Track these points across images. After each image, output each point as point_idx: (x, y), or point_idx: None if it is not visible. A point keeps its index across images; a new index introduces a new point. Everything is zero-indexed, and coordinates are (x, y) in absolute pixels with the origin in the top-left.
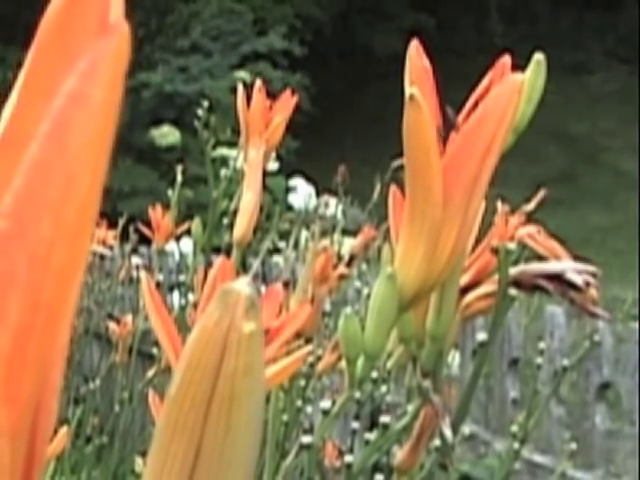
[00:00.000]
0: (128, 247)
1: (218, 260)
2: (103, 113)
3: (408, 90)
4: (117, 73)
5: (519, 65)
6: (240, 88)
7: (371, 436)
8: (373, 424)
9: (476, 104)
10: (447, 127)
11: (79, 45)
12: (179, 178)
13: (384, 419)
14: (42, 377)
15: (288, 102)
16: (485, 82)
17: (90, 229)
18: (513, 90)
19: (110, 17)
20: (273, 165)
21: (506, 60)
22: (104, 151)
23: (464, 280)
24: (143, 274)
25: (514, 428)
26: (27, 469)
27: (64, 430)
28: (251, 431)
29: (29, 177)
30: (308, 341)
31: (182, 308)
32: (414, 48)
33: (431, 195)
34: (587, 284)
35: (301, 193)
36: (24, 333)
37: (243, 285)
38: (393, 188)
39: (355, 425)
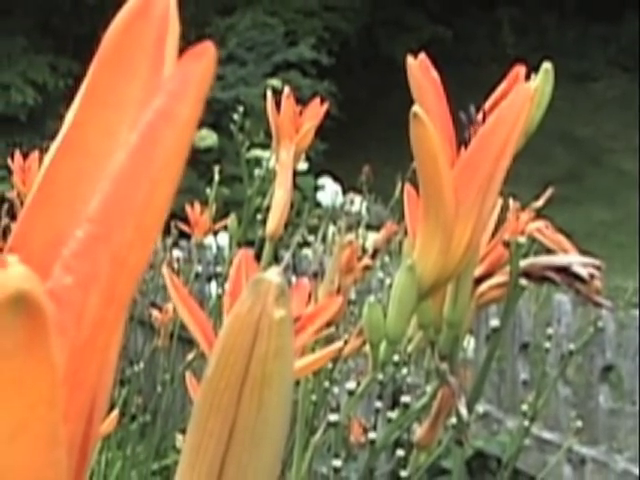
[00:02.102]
0: (169, 241)
1: (240, 252)
2: (187, 129)
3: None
4: (201, 93)
5: (529, 73)
6: (269, 95)
7: (393, 414)
8: (395, 403)
9: (491, 109)
10: (461, 130)
11: (136, 61)
12: (216, 177)
13: (405, 399)
14: (103, 362)
15: (317, 109)
16: (500, 89)
17: (160, 230)
18: (525, 98)
19: (167, 38)
20: (303, 165)
21: (519, 69)
22: (182, 162)
23: (478, 271)
24: (166, 271)
25: (524, 407)
26: (83, 446)
27: (115, 413)
28: (281, 409)
29: (117, 184)
30: (336, 327)
31: (219, 297)
32: (416, 64)
33: (442, 198)
34: (591, 276)
35: (328, 191)
36: (98, 326)
37: (274, 275)
38: (408, 187)
39: (378, 404)
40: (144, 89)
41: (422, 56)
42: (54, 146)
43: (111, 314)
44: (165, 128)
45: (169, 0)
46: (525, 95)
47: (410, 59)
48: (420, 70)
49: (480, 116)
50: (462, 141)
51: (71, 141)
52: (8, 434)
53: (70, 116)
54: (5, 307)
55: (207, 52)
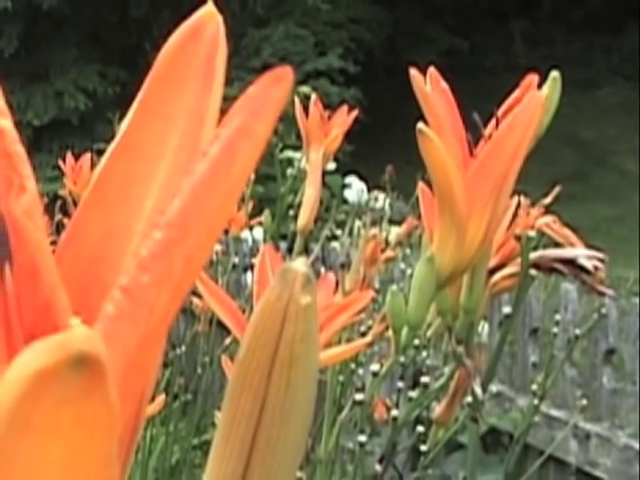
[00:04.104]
0: None
1: (264, 247)
2: (261, 144)
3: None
4: (277, 113)
5: (539, 81)
6: (297, 102)
7: (413, 394)
8: (415, 384)
9: (504, 115)
10: (474, 133)
11: (188, 78)
12: (252, 177)
13: (424, 380)
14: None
15: (344, 116)
16: (513, 97)
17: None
18: (537, 105)
19: (216, 58)
20: (331, 165)
21: (531, 78)
22: (252, 172)
23: (492, 262)
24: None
25: (534, 387)
26: (134, 424)
27: (161, 395)
28: (308, 388)
29: (196, 193)
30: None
31: None
32: (419, 76)
33: (454, 200)
34: (595, 268)
35: (355, 189)
36: (163, 318)
37: (300, 264)
38: (423, 187)
39: (400, 385)
40: (194, 103)
41: (432, 69)
42: (109, 149)
43: (174, 306)
44: (244, 143)
45: (218, 24)
46: (537, 102)
47: (413, 71)
48: (430, 81)
49: (492, 122)
50: (476, 143)
51: (125, 146)
52: (67, 459)
53: (125, 123)
54: (68, 366)
55: (286, 76)
